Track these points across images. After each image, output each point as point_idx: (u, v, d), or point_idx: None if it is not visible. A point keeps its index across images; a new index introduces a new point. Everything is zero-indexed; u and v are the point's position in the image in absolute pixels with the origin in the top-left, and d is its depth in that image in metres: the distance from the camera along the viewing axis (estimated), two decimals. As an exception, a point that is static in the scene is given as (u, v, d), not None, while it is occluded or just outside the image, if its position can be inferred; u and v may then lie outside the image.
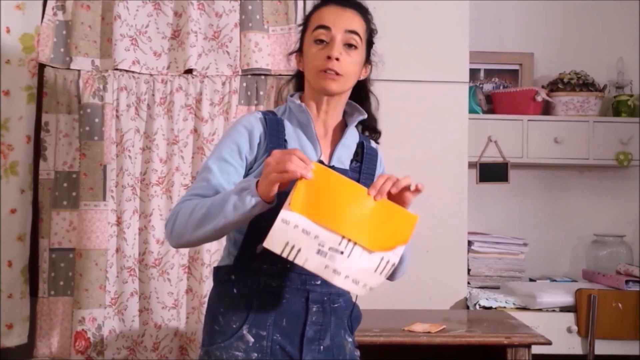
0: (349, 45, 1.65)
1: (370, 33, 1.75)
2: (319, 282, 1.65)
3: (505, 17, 3.54)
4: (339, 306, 1.72)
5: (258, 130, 1.67)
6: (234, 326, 1.63)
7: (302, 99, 1.74)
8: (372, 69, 1.79)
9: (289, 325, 1.64)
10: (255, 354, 1.62)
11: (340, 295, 1.71)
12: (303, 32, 1.74)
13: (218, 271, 1.72)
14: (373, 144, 1.84)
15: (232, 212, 1.46)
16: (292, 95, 1.75)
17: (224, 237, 1.64)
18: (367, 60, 1.75)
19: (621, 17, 3.54)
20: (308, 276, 1.62)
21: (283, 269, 1.63)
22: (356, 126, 1.81)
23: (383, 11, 2.89)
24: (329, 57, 1.62)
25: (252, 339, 1.62)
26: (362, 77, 1.75)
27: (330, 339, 1.69)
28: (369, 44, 1.75)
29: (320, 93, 1.69)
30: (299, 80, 1.80)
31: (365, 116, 1.76)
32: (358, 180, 1.70)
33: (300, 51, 1.75)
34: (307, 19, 1.73)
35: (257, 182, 1.45)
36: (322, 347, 1.67)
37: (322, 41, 1.65)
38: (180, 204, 1.59)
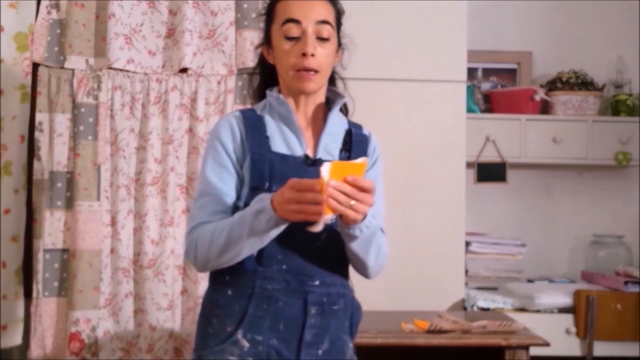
0: (322, 39, 1.62)
1: (339, 15, 1.70)
2: (317, 283, 1.61)
3: (504, 16, 3.53)
4: (339, 308, 1.65)
5: (239, 129, 1.65)
6: (229, 330, 1.59)
7: (280, 93, 1.71)
8: (345, 52, 1.74)
9: (286, 330, 1.59)
10: (251, 359, 1.58)
11: (341, 296, 1.65)
12: (268, 23, 1.68)
13: (213, 271, 1.67)
14: (365, 130, 1.77)
15: (253, 236, 1.49)
16: (271, 90, 1.71)
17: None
18: (338, 45, 1.71)
19: (620, 15, 3.53)
20: (306, 276, 1.59)
21: (278, 270, 1.59)
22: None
23: (381, 10, 2.90)
24: (303, 54, 1.59)
25: (247, 344, 1.57)
26: (334, 64, 1.71)
27: (329, 343, 1.63)
28: (338, 27, 1.70)
29: (298, 93, 1.67)
30: (269, 73, 1.73)
31: (346, 99, 1.72)
32: None
33: (268, 44, 1.69)
34: (271, 8, 1.67)
35: (272, 200, 1.46)
36: (320, 352, 1.61)
37: (293, 38, 1.61)
38: (196, 230, 1.58)
